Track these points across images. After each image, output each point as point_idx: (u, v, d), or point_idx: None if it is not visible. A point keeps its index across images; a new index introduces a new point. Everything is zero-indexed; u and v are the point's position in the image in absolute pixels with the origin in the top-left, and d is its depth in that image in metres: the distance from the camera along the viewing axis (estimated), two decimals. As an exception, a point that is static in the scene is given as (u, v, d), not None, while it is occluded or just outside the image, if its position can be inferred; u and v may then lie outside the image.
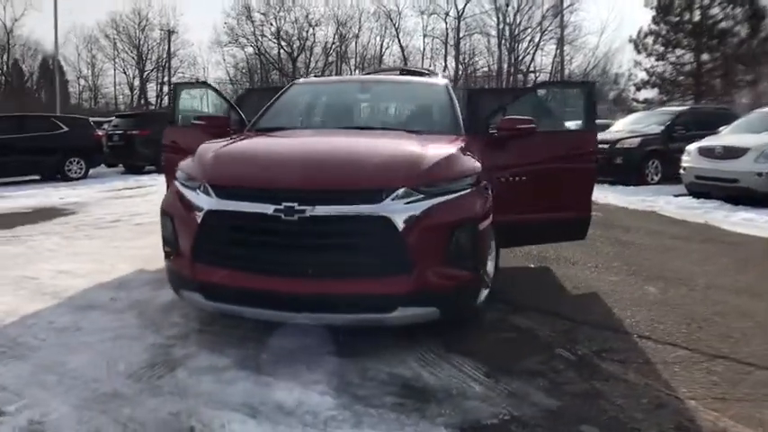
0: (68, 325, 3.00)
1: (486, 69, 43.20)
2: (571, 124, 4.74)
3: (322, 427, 2.04)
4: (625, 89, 26.75)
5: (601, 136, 11.06)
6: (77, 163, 11.09)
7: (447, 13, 43.68)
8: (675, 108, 12.34)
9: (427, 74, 5.88)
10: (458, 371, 2.51)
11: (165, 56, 46.98)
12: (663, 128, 10.26)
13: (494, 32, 41.61)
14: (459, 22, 43.36)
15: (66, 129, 11.04)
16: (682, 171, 8.50)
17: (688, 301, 3.57)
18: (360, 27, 48.70)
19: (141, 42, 48.27)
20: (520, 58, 41.88)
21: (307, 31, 47.71)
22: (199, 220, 2.53)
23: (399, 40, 47.18)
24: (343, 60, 49.11)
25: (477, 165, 2.81)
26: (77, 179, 11.12)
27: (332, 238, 2.41)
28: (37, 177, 11.13)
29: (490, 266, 3.31)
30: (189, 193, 2.66)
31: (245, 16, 47.04)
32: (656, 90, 22.28)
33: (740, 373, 2.54)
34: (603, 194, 9.14)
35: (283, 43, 48.24)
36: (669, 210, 7.48)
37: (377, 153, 2.76)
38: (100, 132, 12.38)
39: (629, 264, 4.56)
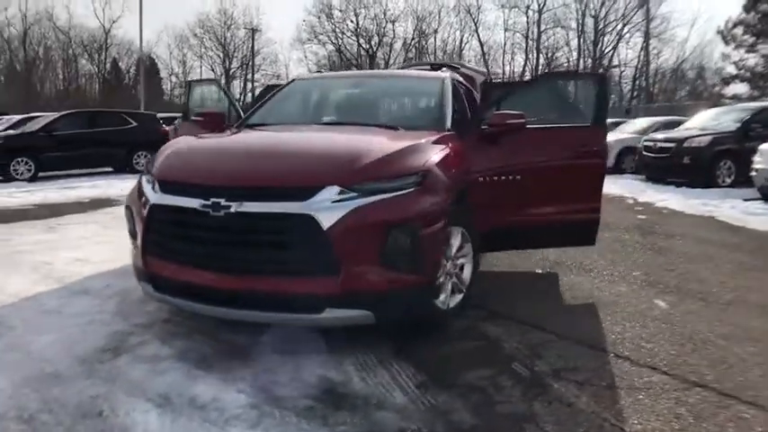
0: (54, 308, 3.20)
1: (567, 64, 41.47)
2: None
3: (221, 425, 2.02)
4: (716, 84, 24.33)
5: (668, 134, 10.25)
6: (144, 156, 11.90)
7: (528, 7, 42.34)
8: (754, 104, 11.06)
9: (458, 68, 5.69)
10: (391, 379, 2.40)
11: (249, 54, 49.39)
12: (738, 125, 9.22)
13: (575, 26, 39.88)
14: (539, 16, 41.90)
15: (134, 124, 11.91)
16: (753, 173, 7.61)
17: (695, 319, 3.18)
18: (439, 22, 48.51)
19: (228, 41, 51.17)
20: (604, 51, 39.77)
21: (384, 27, 48.24)
22: (146, 214, 2.60)
23: (478, 35, 46.43)
24: (423, 56, 49.16)
25: (429, 163, 2.66)
26: (145, 171, 11.91)
27: (258, 235, 2.39)
28: (109, 169, 12.09)
29: (467, 271, 3.14)
30: (146, 188, 2.75)
31: (325, 14, 48.40)
32: (746, 85, 20.05)
33: (716, 407, 2.22)
34: (663, 197, 8.42)
35: (362, 40, 49.10)
36: (730, 215, 6.72)
37: (316, 150, 2.71)
38: (168, 128, 13.19)
39: (652, 273, 4.14)
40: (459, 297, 3.09)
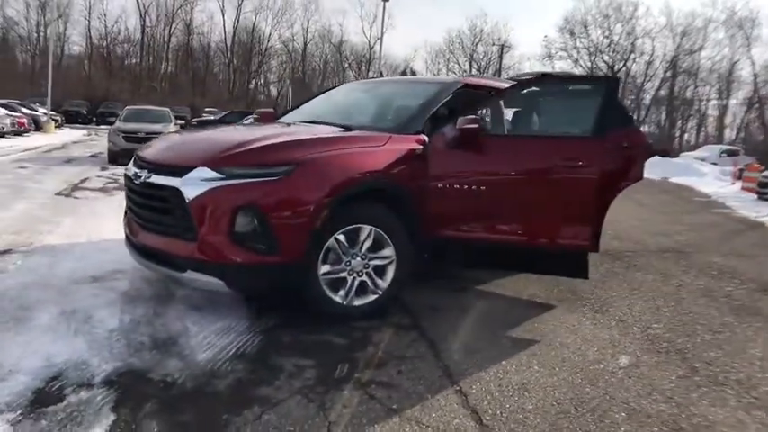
0: (107, 248, 4.21)
1: None
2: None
3: (74, 332, 2.67)
4: None
5: None
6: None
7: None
8: None
9: (568, 79, 5.31)
10: (224, 345, 2.66)
11: (497, 69, 50.65)
12: None
13: None
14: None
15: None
16: None
17: (634, 386, 2.51)
18: (705, 38, 42.21)
19: (480, 56, 53.69)
20: None
21: (633, 44, 44.17)
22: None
23: (749, 52, 38.77)
24: (687, 75, 43.67)
25: (307, 157, 2.80)
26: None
27: (155, 201, 2.91)
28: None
29: (388, 274, 3.14)
30: None
31: (573, 30, 46.81)
32: None
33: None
34: None
35: (613, 56, 45.89)
36: None
37: (215, 140, 3.10)
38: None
39: (675, 331, 3.27)
40: (371, 298, 3.10)
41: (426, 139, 3.34)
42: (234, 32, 51.57)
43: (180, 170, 2.80)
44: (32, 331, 2.65)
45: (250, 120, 5.02)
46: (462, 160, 3.31)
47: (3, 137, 16.06)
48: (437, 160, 3.29)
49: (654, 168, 20.24)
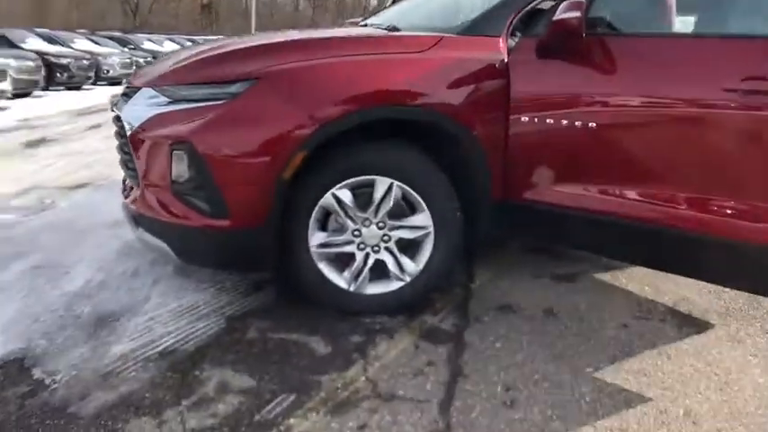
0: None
1: None
2: None
3: (39, 283, 2.31)
4: None
5: None
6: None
7: None
8: None
9: None
10: (149, 333, 1.96)
11: None
12: None
13: None
14: None
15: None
16: None
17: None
18: None
19: None
20: None
21: None
22: None
23: None
24: None
25: (270, 70, 1.82)
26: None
27: (118, 137, 2.21)
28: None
29: (422, 254, 2.12)
30: None
31: None
32: None
33: None
34: None
35: None
36: None
37: (188, 51, 2.24)
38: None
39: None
40: (393, 285, 2.12)
41: (508, 44, 2.08)
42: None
43: (131, 93, 2.09)
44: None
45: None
46: (560, 76, 1.98)
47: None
48: (522, 77, 2.03)
49: None
